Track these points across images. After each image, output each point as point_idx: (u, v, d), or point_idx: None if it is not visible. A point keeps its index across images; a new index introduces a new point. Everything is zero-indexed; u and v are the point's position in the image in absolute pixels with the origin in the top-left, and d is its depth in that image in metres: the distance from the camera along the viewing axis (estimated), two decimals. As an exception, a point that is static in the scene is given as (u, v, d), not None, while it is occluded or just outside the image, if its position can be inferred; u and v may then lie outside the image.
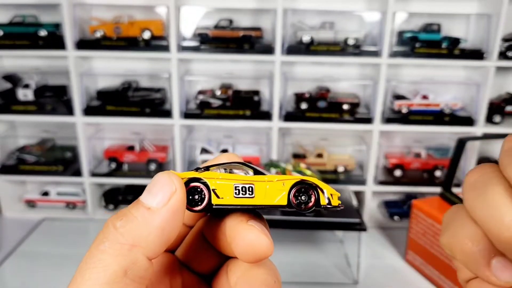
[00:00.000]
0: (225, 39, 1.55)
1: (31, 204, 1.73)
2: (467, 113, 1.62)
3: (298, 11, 1.59)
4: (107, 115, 1.59)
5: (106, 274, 0.26)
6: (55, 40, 1.53)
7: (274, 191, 0.33)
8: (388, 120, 1.59)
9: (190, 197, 0.32)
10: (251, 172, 0.34)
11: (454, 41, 1.54)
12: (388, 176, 1.67)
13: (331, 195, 0.34)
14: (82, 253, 0.28)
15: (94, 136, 1.68)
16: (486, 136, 1.59)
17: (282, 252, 1.47)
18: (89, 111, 1.59)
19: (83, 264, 0.28)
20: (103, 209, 1.73)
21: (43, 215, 1.69)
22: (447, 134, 1.67)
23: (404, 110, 1.60)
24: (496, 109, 1.61)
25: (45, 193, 1.71)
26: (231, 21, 1.59)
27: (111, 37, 1.55)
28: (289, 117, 1.59)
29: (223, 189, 0.33)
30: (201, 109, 1.60)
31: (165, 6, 1.52)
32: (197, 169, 0.34)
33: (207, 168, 0.34)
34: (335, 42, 1.56)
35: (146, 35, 1.54)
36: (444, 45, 1.55)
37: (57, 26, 1.54)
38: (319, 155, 1.67)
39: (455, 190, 1.31)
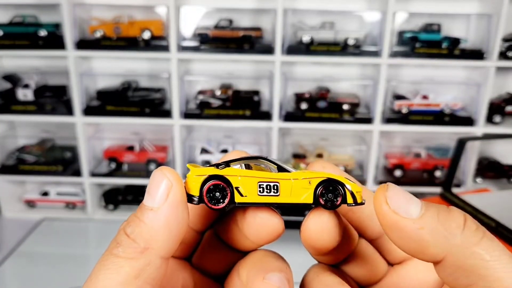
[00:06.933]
0: (225, 39, 1.55)
1: (31, 204, 1.73)
2: (467, 113, 1.62)
3: (298, 11, 1.59)
4: (107, 115, 1.59)
5: (119, 276, 0.28)
6: (55, 40, 1.53)
7: (299, 189, 0.32)
8: (388, 120, 1.59)
9: (211, 194, 0.31)
10: (274, 168, 0.33)
11: (454, 41, 1.54)
12: (388, 176, 1.67)
13: (356, 192, 0.33)
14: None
15: (94, 136, 1.68)
16: (486, 136, 1.59)
17: (281, 252, 1.46)
18: (89, 111, 1.59)
19: (97, 266, 0.29)
20: (102, 209, 1.73)
21: (43, 215, 1.69)
22: (447, 134, 1.67)
23: (404, 110, 1.60)
24: (496, 109, 1.61)
25: (45, 193, 1.71)
26: (231, 21, 1.58)
27: (111, 37, 1.55)
28: (289, 117, 1.59)
29: (247, 186, 0.32)
30: (201, 109, 1.59)
31: (165, 6, 1.52)
32: (217, 166, 0.32)
33: (227, 164, 0.33)
34: (335, 42, 1.55)
35: (146, 35, 1.54)
36: (444, 45, 1.55)
37: (57, 26, 1.54)
38: (319, 155, 1.67)
39: (455, 190, 1.31)
